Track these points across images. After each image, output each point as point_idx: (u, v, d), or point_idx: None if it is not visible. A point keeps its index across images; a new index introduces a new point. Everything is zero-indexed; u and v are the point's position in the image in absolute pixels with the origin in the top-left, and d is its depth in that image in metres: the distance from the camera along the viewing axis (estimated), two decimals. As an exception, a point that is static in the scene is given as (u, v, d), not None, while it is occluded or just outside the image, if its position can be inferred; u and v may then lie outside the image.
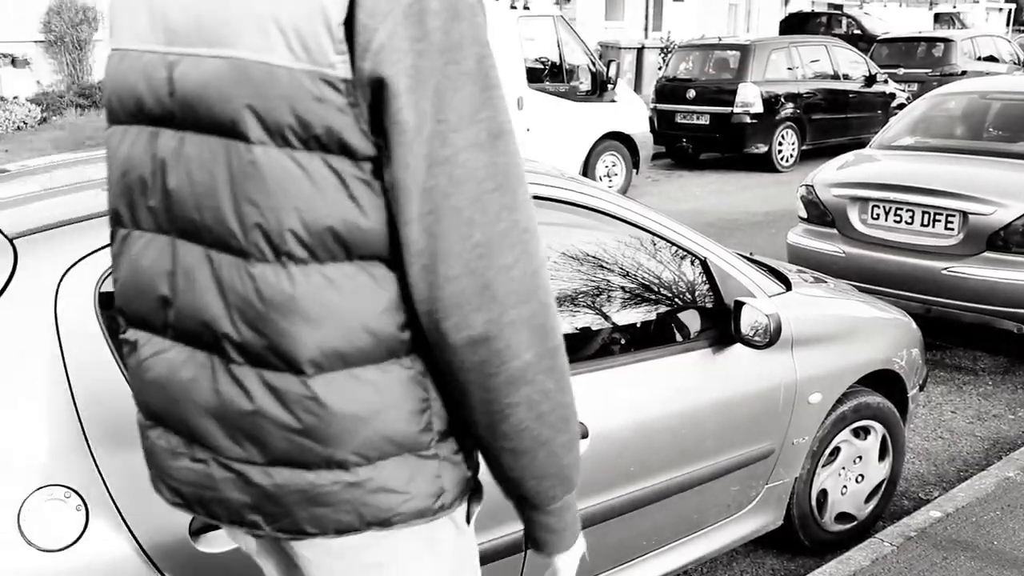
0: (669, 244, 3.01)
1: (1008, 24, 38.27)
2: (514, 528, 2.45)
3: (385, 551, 1.33)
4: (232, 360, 1.27)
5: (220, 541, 2.00)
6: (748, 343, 2.95)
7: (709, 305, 3.08)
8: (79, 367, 1.94)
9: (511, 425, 1.25)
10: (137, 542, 1.92)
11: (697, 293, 3.11)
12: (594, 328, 2.88)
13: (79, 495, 1.88)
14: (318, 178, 1.18)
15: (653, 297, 3.02)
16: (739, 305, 2.93)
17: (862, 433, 3.63)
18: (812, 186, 6.42)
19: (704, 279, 3.07)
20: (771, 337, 2.88)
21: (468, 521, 1.43)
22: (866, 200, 6.01)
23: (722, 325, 3.04)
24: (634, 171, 11.63)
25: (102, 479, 1.91)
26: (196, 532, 1.97)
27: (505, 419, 1.25)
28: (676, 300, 3.09)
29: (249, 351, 1.25)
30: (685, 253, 3.04)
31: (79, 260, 2.01)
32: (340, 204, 1.19)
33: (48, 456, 1.88)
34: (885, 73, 15.56)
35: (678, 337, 3.06)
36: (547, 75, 11.09)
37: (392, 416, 1.26)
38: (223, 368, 1.28)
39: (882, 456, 3.73)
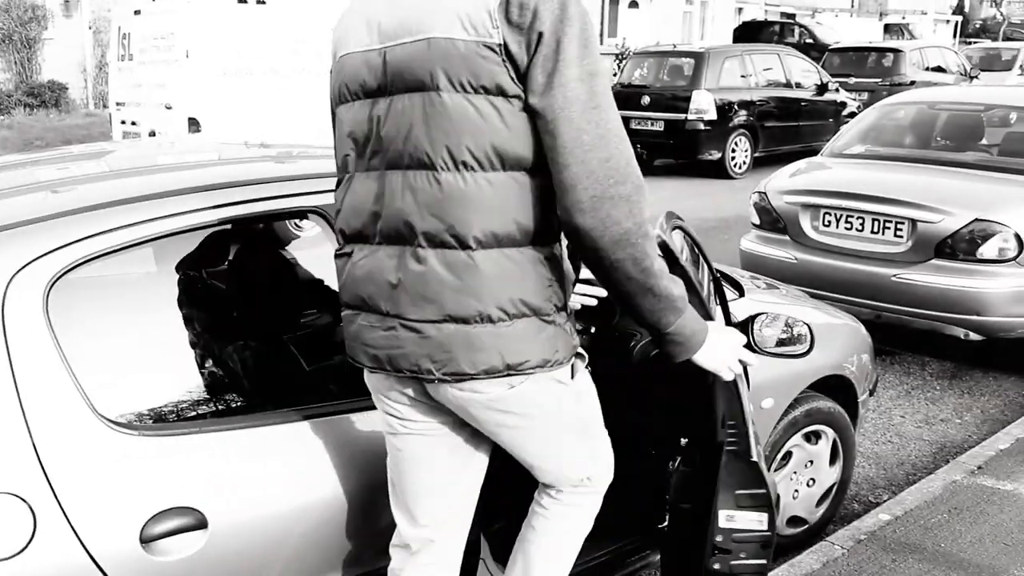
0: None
1: (955, 36, 39.00)
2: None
3: (519, 391, 1.90)
4: (419, 245, 1.84)
5: (171, 549, 1.97)
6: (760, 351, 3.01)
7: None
8: (27, 372, 1.91)
9: (621, 275, 1.84)
10: (87, 550, 1.89)
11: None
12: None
13: (26, 502, 1.85)
14: (484, 112, 1.78)
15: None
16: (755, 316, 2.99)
17: (813, 438, 3.66)
18: (765, 193, 6.48)
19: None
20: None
21: (572, 376, 1.99)
22: (818, 207, 6.08)
23: None
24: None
25: (50, 486, 1.87)
26: (147, 540, 1.95)
27: (615, 271, 1.83)
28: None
29: (432, 236, 1.83)
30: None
31: (27, 264, 1.97)
32: (497, 130, 1.79)
33: (-6, 463, 1.85)
34: (836, 82, 15.77)
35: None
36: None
37: (526, 286, 1.84)
38: (411, 252, 1.86)
39: (833, 460, 3.78)
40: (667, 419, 2.84)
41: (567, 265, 1.98)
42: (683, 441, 2.81)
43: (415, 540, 2.14)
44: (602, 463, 2.17)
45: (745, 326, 2.97)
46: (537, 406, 1.95)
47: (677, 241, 2.45)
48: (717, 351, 2.05)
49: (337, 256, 2.07)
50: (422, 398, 2.01)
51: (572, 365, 1.99)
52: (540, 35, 1.75)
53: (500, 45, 1.76)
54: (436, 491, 2.12)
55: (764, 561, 2.39)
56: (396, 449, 2.12)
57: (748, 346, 2.92)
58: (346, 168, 2.03)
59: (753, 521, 2.34)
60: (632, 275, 1.83)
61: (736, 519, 2.33)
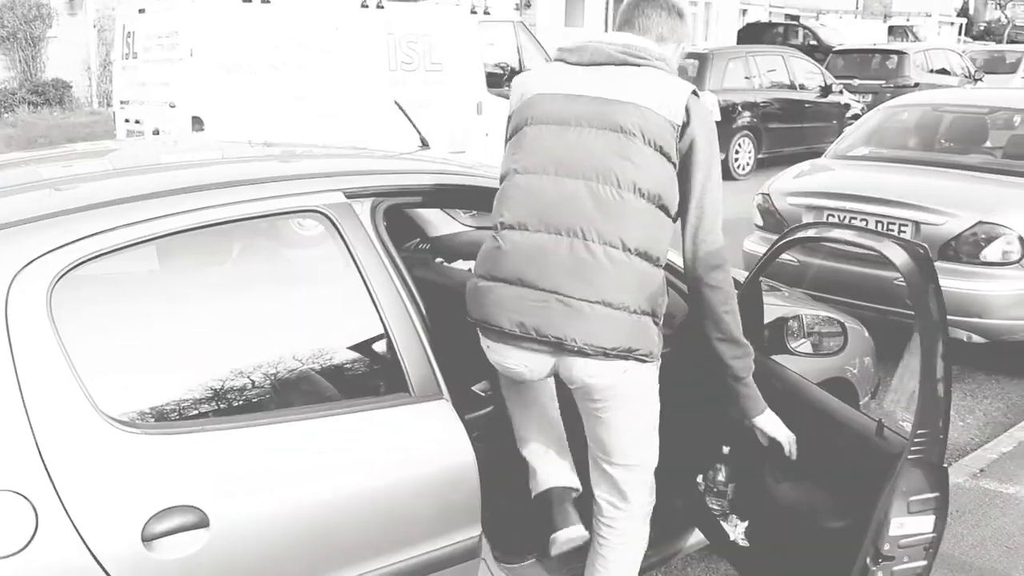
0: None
1: (959, 37, 38.96)
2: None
3: (635, 373, 2.46)
4: (591, 240, 2.38)
5: (172, 547, 1.97)
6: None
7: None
8: (29, 369, 1.91)
9: (726, 324, 2.54)
10: (88, 548, 1.89)
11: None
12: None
13: (28, 500, 1.85)
14: (654, 162, 2.42)
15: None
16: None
17: (815, 440, 3.66)
18: (768, 194, 6.48)
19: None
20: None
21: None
22: (821, 209, 6.08)
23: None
24: (593, 177, 11.64)
25: (52, 484, 1.87)
26: (149, 538, 1.95)
27: (721, 319, 2.54)
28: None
29: (603, 235, 2.38)
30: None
31: (31, 261, 1.98)
32: (659, 179, 2.43)
33: (-3, 460, 1.85)
34: (840, 84, 15.75)
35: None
36: (507, 80, 11.07)
37: (653, 292, 2.44)
38: (582, 244, 2.38)
39: (835, 462, 3.77)
40: (707, 427, 2.88)
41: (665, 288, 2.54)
42: (725, 449, 2.82)
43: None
44: (655, 452, 2.66)
45: (776, 328, 3.01)
46: (639, 386, 2.52)
47: None
48: (771, 421, 2.64)
49: (492, 238, 2.51)
50: (543, 368, 2.51)
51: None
52: (702, 141, 2.47)
53: (677, 126, 2.43)
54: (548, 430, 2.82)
55: (926, 562, 2.41)
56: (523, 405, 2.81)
57: (781, 348, 2.98)
58: (521, 169, 2.50)
59: (921, 524, 2.36)
60: (727, 323, 2.55)
61: (905, 525, 2.35)
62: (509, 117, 2.62)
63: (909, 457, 2.35)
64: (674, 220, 2.50)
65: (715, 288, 2.52)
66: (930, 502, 2.36)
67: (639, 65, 2.50)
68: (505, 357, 2.52)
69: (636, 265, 2.40)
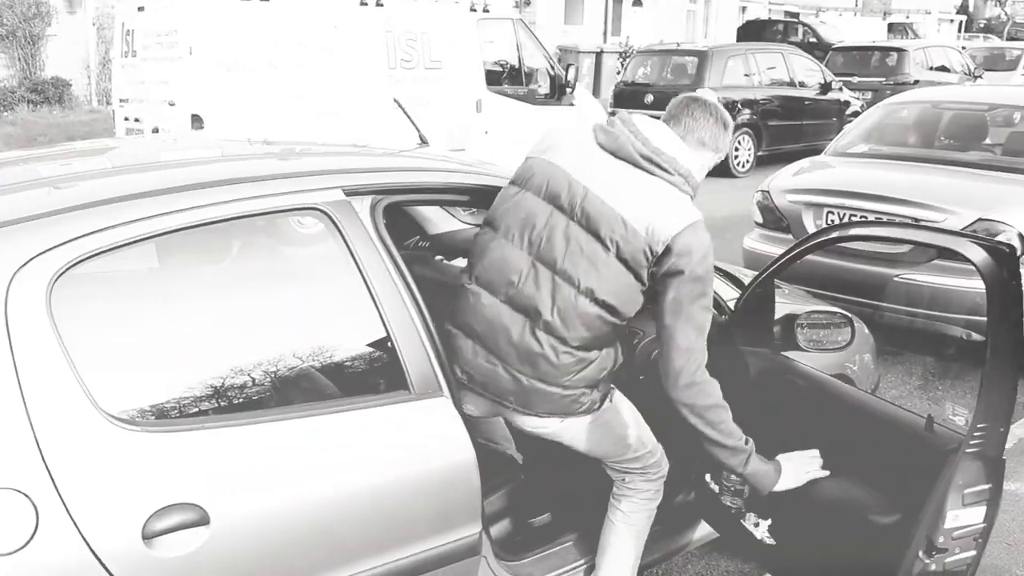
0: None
1: (959, 35, 38.94)
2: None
3: (576, 421, 2.65)
4: (538, 327, 2.50)
5: (173, 545, 1.98)
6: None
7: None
8: (29, 367, 1.91)
9: (710, 436, 2.54)
10: (89, 546, 1.89)
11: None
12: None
13: (28, 497, 1.85)
14: (620, 274, 2.48)
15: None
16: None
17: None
18: (768, 192, 6.48)
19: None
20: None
21: (600, 408, 2.69)
22: (821, 206, 6.08)
23: None
24: (592, 175, 11.64)
25: (53, 482, 1.88)
26: (149, 536, 1.95)
27: (703, 434, 2.54)
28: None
29: (553, 329, 2.49)
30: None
31: (31, 259, 1.97)
32: (619, 291, 2.50)
33: (-3, 458, 1.85)
34: (840, 81, 15.76)
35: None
36: (506, 78, 11.08)
37: (593, 375, 2.58)
38: (530, 329, 2.51)
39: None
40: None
41: (617, 358, 2.67)
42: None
43: None
44: (642, 448, 2.80)
45: (786, 325, 3.02)
46: (584, 430, 2.70)
47: None
48: (790, 478, 2.65)
49: (462, 287, 2.62)
50: (487, 411, 2.72)
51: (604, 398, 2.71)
52: (685, 275, 2.46)
53: (654, 252, 2.45)
54: None
55: (975, 552, 2.42)
56: None
57: (791, 344, 2.99)
58: (498, 230, 2.59)
59: (974, 516, 2.37)
60: (710, 435, 2.55)
61: (960, 517, 2.35)
62: (528, 155, 2.67)
63: (967, 451, 2.34)
64: (630, 319, 2.61)
65: (689, 406, 2.52)
66: (984, 493, 2.37)
67: (656, 175, 2.51)
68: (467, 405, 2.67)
69: (580, 355, 2.53)
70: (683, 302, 2.45)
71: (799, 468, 2.67)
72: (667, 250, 2.43)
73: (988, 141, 6.79)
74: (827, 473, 2.67)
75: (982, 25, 43.83)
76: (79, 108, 17.33)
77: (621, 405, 2.78)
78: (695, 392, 2.50)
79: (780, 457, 2.66)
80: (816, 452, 2.70)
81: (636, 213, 2.45)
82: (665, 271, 2.45)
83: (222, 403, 2.23)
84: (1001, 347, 2.34)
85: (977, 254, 2.40)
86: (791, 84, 14.74)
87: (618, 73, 18.36)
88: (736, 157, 13.79)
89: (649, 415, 2.84)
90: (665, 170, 2.51)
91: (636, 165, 2.52)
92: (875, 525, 2.55)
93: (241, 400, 2.27)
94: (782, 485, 2.64)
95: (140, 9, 8.86)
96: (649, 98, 13.83)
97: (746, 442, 2.58)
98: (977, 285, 5.22)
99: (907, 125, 7.09)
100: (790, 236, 6.16)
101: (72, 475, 1.90)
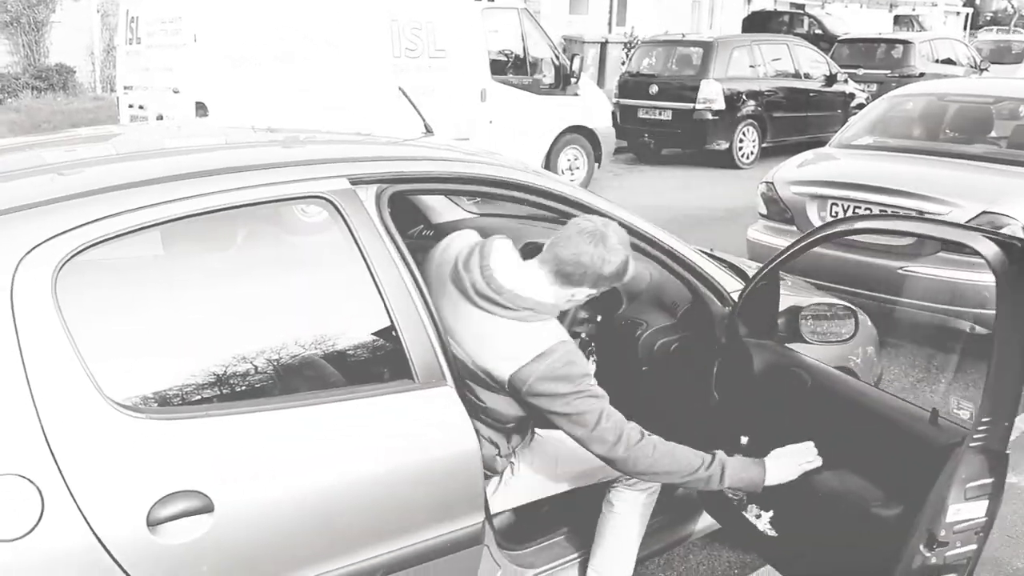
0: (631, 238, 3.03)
1: (965, 28, 38.81)
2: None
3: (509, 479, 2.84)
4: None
5: (177, 532, 1.98)
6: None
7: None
8: (35, 354, 1.91)
9: (673, 480, 2.60)
10: (94, 532, 1.90)
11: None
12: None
13: (34, 484, 1.86)
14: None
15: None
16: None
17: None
18: (772, 183, 6.47)
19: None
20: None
21: None
22: (825, 198, 6.07)
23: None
24: (596, 165, 11.66)
25: (58, 468, 1.88)
26: (154, 523, 1.95)
27: (667, 480, 2.62)
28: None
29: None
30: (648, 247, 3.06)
31: (36, 246, 1.98)
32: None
33: (2, 444, 1.86)
34: (845, 73, 15.71)
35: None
36: (511, 68, 11.06)
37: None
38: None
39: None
40: (722, 417, 2.88)
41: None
42: (744, 440, 2.83)
43: None
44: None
45: (790, 317, 3.01)
46: (522, 482, 2.84)
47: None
48: (782, 472, 2.63)
49: None
50: None
51: None
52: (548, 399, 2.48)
53: (503, 383, 2.51)
54: None
55: (976, 547, 2.42)
56: None
57: (795, 336, 2.99)
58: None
59: (975, 510, 2.37)
60: (660, 479, 2.62)
61: (961, 511, 2.35)
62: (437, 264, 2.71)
63: (971, 445, 2.34)
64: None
65: (638, 474, 2.58)
66: (986, 487, 2.36)
67: (496, 315, 2.51)
68: None
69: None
70: (570, 418, 2.47)
71: (793, 460, 2.66)
72: (515, 390, 2.48)
73: (993, 134, 6.78)
74: (820, 462, 2.66)
75: (988, 18, 43.67)
76: (83, 95, 17.33)
77: (544, 446, 2.87)
78: (632, 463, 2.51)
79: (772, 454, 2.65)
80: (811, 444, 2.69)
81: (487, 362, 2.52)
82: (531, 404, 2.50)
83: (226, 391, 2.23)
84: (1009, 341, 2.34)
85: (988, 248, 2.39)
86: (796, 76, 14.68)
87: (623, 63, 18.29)
88: (741, 148, 13.76)
89: (651, 408, 2.84)
90: (506, 307, 2.49)
91: (476, 306, 2.53)
92: (877, 517, 2.55)
93: (245, 388, 2.27)
94: (775, 479, 2.63)
95: (145, -4, 8.86)
96: (654, 89, 13.80)
97: (711, 462, 2.57)
98: (983, 278, 5.23)
99: (912, 117, 7.08)
100: (794, 228, 6.16)
101: (77, 462, 1.91)
